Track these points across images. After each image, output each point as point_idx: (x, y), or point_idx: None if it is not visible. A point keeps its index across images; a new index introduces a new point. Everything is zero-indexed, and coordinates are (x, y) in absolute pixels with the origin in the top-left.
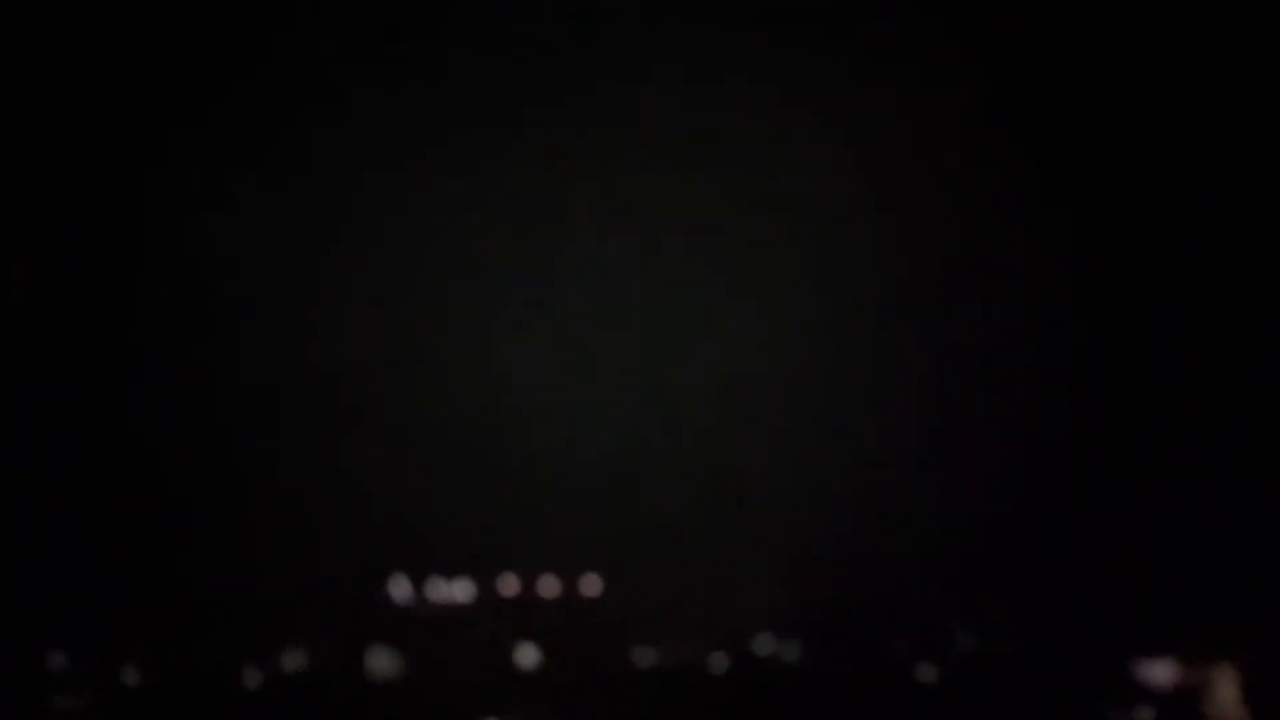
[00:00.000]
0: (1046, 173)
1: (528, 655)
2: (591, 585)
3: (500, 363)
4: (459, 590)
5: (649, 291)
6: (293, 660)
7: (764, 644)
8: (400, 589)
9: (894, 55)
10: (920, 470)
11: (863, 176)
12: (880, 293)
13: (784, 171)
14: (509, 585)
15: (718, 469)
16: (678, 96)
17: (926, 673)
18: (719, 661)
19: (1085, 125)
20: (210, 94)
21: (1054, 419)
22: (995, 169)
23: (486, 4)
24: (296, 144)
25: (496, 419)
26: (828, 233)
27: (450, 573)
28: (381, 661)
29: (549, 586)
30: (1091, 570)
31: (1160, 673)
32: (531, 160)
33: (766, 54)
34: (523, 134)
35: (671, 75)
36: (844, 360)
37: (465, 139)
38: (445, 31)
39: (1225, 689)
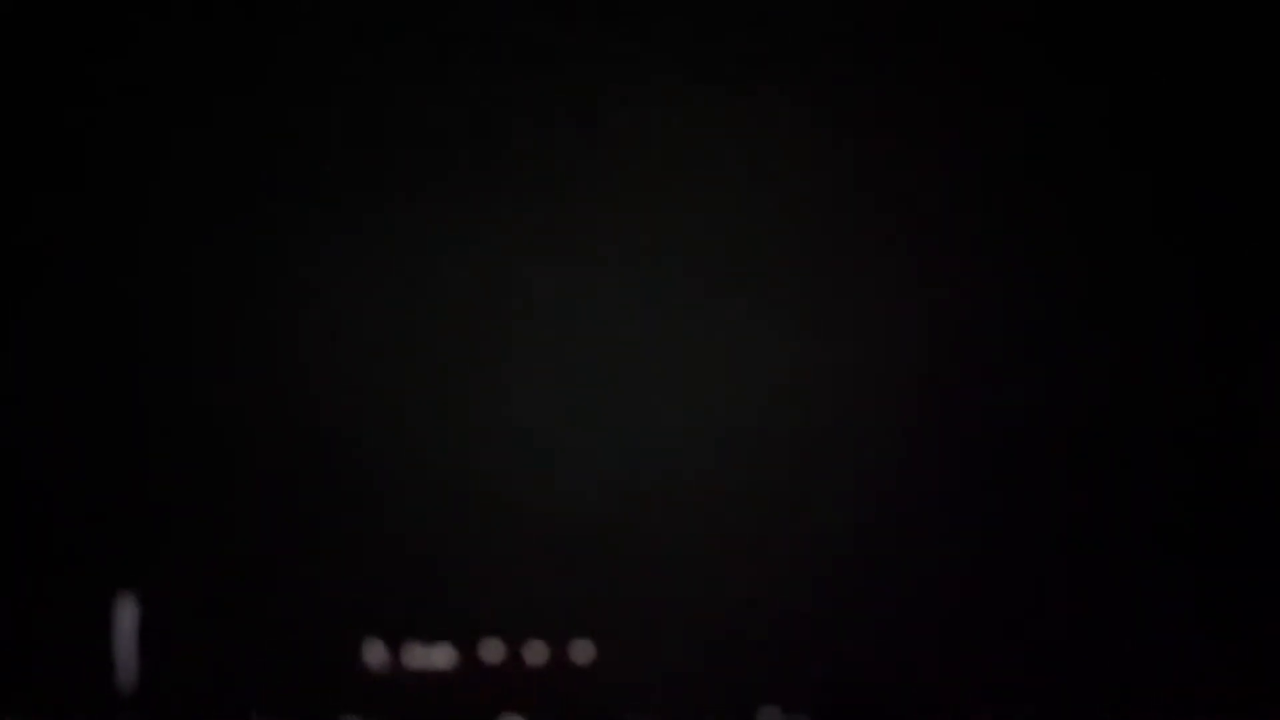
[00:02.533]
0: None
1: None
2: (583, 652)
3: (485, 412)
4: (439, 656)
5: (646, 340)
6: None
7: (770, 717)
8: (375, 655)
9: (899, 60)
10: (941, 536)
11: (887, 212)
12: (902, 347)
13: (803, 211)
14: (493, 651)
15: (720, 529)
16: (690, 120)
17: None
18: None
19: (1091, 126)
20: (207, 107)
21: (1083, 486)
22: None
23: (488, 16)
24: (288, 169)
25: (481, 471)
26: (847, 277)
27: (429, 637)
28: None
29: (537, 653)
30: (1120, 641)
31: None
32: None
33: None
34: (524, 162)
35: (688, 100)
36: (857, 415)
37: (465, 166)
38: (450, 46)
39: None
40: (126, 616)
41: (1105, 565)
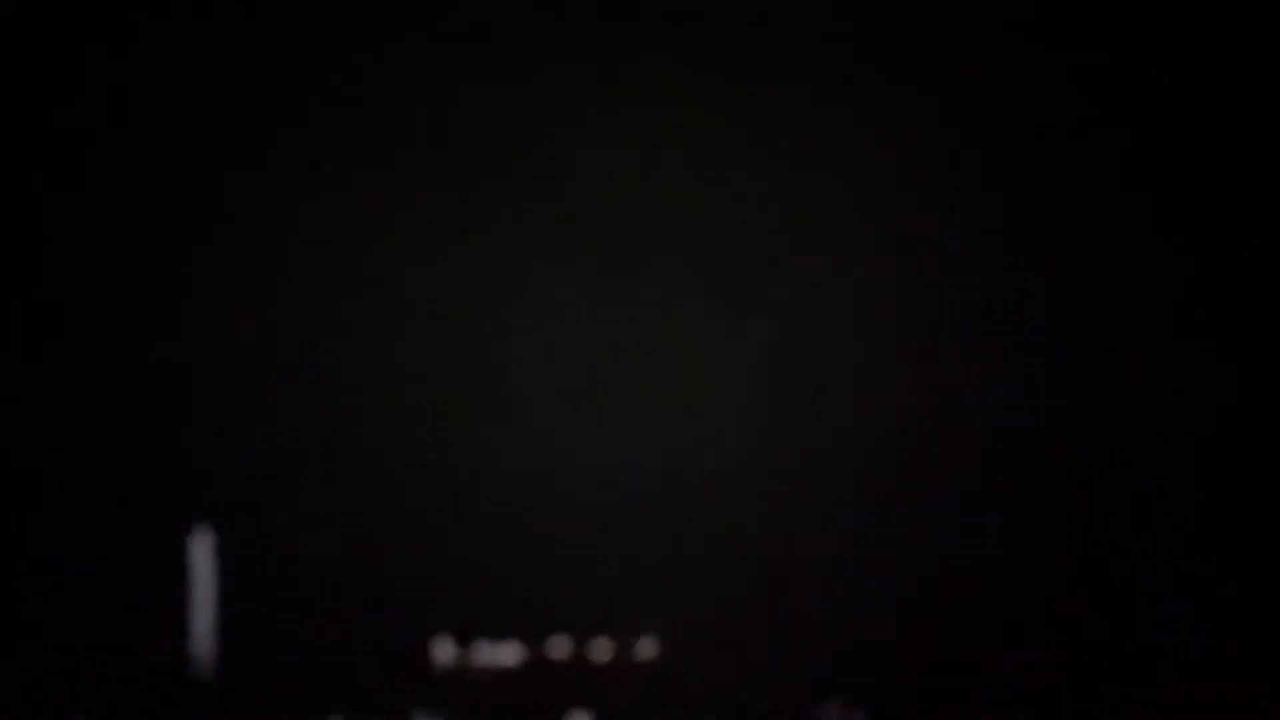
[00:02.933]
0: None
1: None
2: (647, 649)
3: (551, 416)
4: (507, 653)
5: (695, 340)
6: None
7: (829, 712)
8: (445, 652)
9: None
10: (999, 534)
11: (887, 212)
12: (930, 338)
13: (805, 211)
14: (560, 648)
15: (782, 529)
16: (697, 124)
17: None
18: None
19: (1091, 127)
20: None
21: (1109, 486)
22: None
23: (489, 16)
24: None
25: (547, 474)
26: (853, 276)
27: (498, 635)
28: None
29: (602, 650)
30: (1166, 640)
31: None
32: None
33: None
34: (526, 161)
35: (692, 101)
36: (912, 413)
37: (468, 166)
38: (447, 40)
39: None
40: (202, 644)
41: (1165, 558)
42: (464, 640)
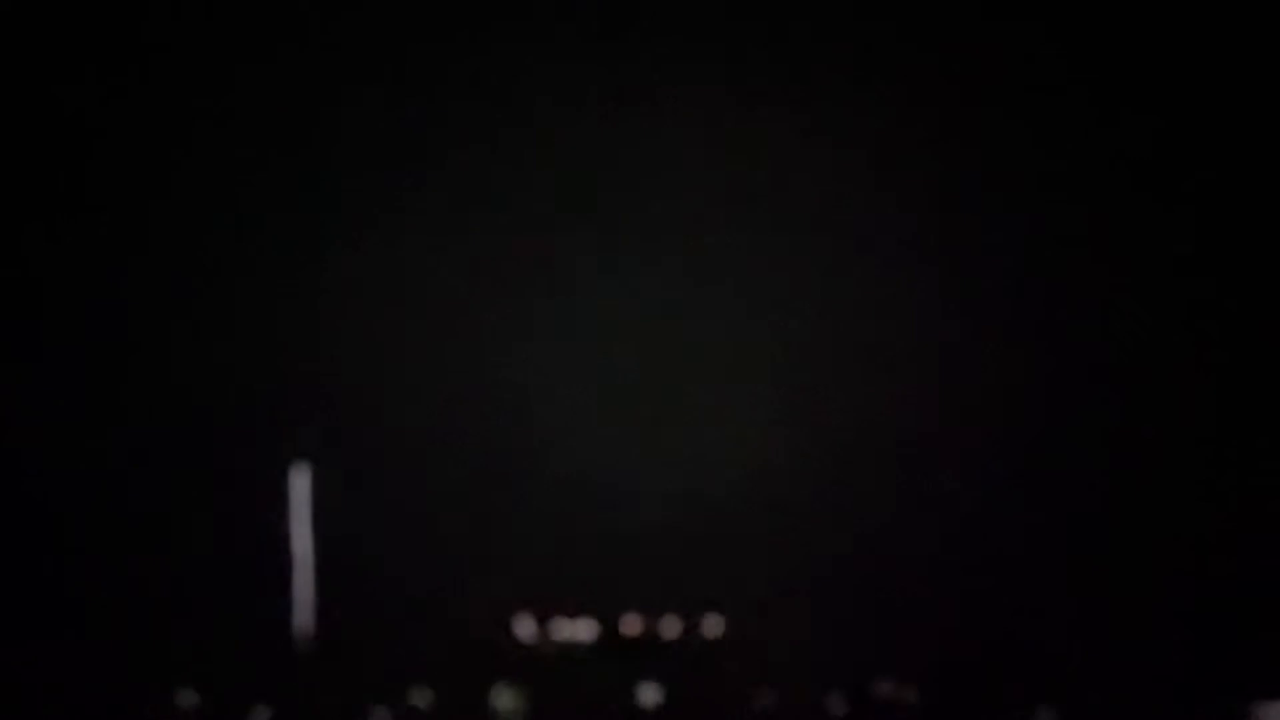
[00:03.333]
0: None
1: (649, 694)
2: (713, 626)
3: (623, 404)
4: (582, 629)
5: (755, 332)
6: (420, 698)
7: (883, 688)
8: (524, 628)
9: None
10: (1050, 518)
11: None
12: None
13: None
14: (632, 625)
15: (841, 511)
16: (711, 119)
17: (1046, 717)
18: (837, 704)
19: (1093, 128)
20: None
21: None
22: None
23: (495, 9)
24: (304, 160)
25: (619, 460)
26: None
27: (574, 612)
28: (505, 699)
29: (671, 627)
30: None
31: None
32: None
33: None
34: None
35: (699, 94)
36: (977, 406)
37: (484, 160)
38: (457, 38)
39: None
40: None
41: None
42: (543, 617)
